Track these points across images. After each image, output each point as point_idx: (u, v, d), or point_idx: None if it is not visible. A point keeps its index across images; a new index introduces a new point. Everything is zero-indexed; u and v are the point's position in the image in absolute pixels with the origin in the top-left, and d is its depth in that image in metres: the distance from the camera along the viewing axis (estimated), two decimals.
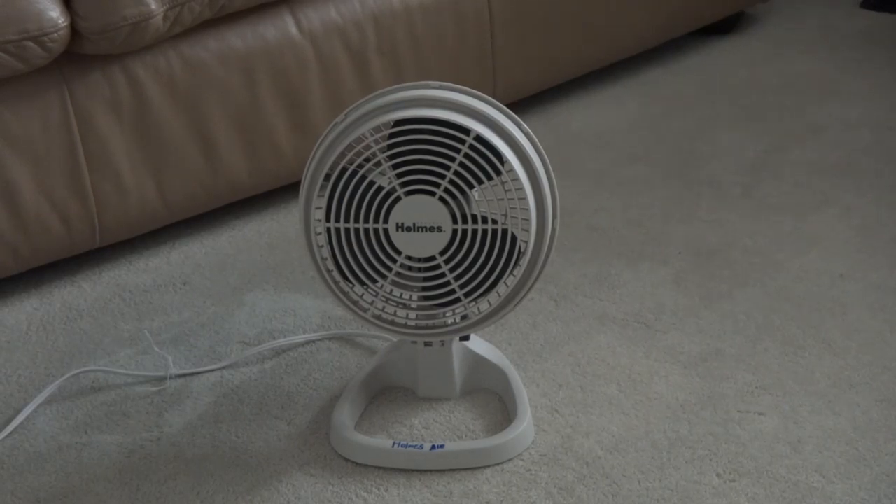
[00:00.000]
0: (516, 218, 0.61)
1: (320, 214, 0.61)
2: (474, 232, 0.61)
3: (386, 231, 0.61)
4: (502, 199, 0.61)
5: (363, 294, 0.65)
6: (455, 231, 0.61)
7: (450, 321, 0.66)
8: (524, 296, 0.64)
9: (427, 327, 0.66)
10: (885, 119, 0.95)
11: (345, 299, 0.64)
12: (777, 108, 1.03)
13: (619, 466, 0.61)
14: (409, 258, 0.63)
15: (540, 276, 0.64)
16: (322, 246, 0.63)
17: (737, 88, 1.06)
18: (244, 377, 0.71)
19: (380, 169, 0.60)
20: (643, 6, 1.00)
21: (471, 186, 0.60)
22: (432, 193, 0.61)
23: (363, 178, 0.61)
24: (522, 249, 0.62)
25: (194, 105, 0.83)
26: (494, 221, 0.61)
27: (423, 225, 0.61)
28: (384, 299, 0.64)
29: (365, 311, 0.65)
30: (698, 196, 0.92)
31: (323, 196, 0.61)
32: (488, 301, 0.64)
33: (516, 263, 0.62)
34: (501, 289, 0.62)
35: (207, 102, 0.84)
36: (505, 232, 0.61)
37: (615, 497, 0.59)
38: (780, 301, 0.76)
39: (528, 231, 0.61)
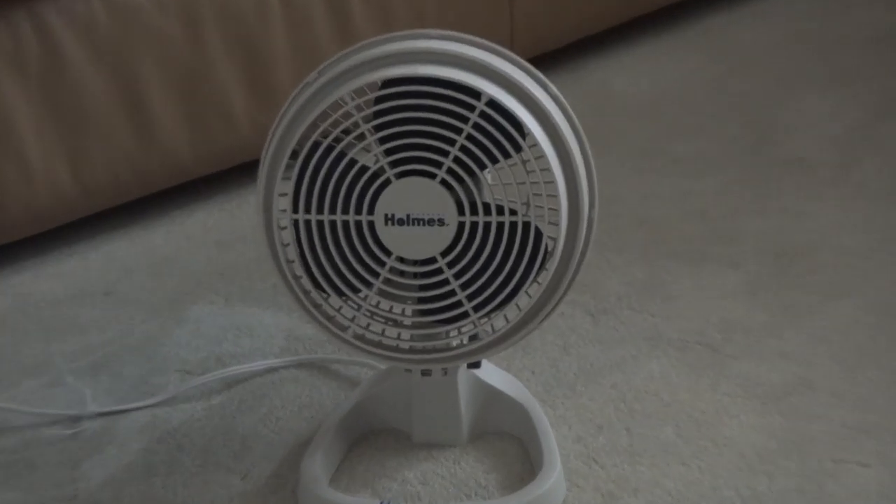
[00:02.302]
0: (541, 208, 0.62)
1: (285, 203, 0.61)
2: (486, 226, 0.62)
3: (371, 225, 0.61)
4: (523, 183, 0.63)
5: (341, 307, 0.65)
6: (461, 225, 0.61)
7: (455, 343, 0.67)
8: (552, 310, 0.65)
9: (425, 351, 0.66)
10: None
11: (317, 314, 0.65)
12: (879, 66, 1.02)
13: None
14: (402, 260, 0.63)
15: (572, 285, 0.66)
16: (288, 244, 0.63)
17: (826, 40, 1.05)
18: (185, 416, 0.72)
19: (363, 144, 0.60)
20: None
21: (482, 167, 0.60)
22: (432, 176, 0.60)
23: (341, 155, 0.61)
24: (549, 249, 0.63)
25: (122, 62, 0.81)
26: (513, 212, 0.61)
27: (420, 217, 0.61)
28: (369, 314, 0.65)
29: (344, 329, 0.66)
30: (778, 180, 0.91)
31: (289, 179, 0.61)
32: (505, 316, 0.65)
33: (541, 267, 0.63)
34: (522, 300, 0.63)
35: (139, 58, 0.82)
36: (526, 226, 0.61)
37: None
38: (886, 317, 0.74)
39: (556, 225, 0.61)
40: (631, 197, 0.90)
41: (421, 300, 0.64)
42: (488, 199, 0.62)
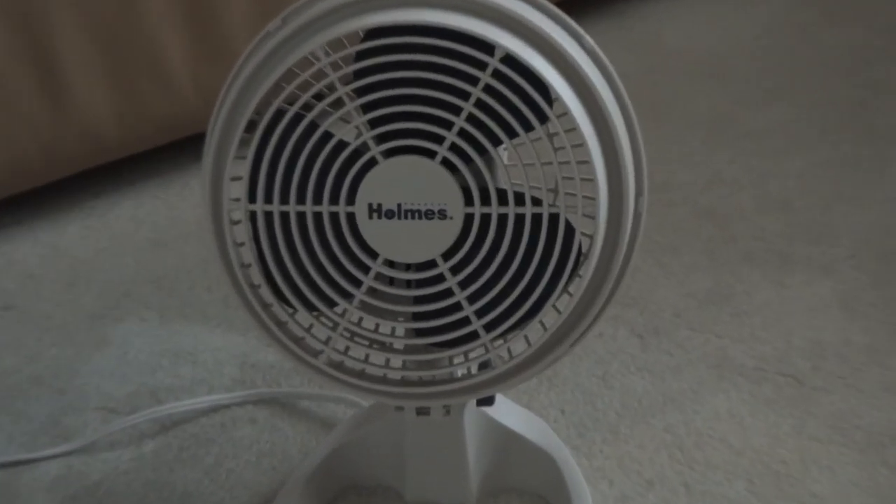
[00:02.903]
0: (573, 196, 0.63)
1: (239, 190, 0.62)
2: (502, 220, 0.62)
3: (352, 219, 0.62)
4: (549, 164, 0.63)
5: (312, 326, 0.66)
6: (469, 218, 0.62)
7: (460, 372, 0.68)
8: (587, 330, 0.66)
9: (421, 383, 0.67)
10: None
11: (281, 335, 0.66)
12: None
13: None
14: (391, 265, 0.64)
15: (614, 296, 0.67)
16: (242, 244, 0.64)
17: None
18: (108, 468, 0.73)
19: (341, 112, 0.60)
20: None
21: (496, 143, 0.60)
22: (431, 154, 0.61)
23: (312, 127, 0.61)
24: (584, 249, 0.64)
25: (28, 10, 0.80)
26: (537, 202, 0.62)
27: (414, 208, 0.62)
28: (348, 335, 0.66)
29: (315, 354, 0.67)
30: (883, 160, 0.90)
31: (244, 159, 0.62)
32: (526, 338, 0.66)
33: (574, 273, 0.64)
34: (549, 317, 0.64)
35: (50, 5, 0.81)
36: (554, 220, 0.62)
37: None
38: None
39: (593, 218, 0.62)
40: (691, 182, 0.91)
41: (416, 316, 0.65)
42: (504, 185, 0.63)
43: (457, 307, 0.64)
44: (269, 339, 0.68)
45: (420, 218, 0.62)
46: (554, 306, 0.65)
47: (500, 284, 0.63)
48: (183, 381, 0.80)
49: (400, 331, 0.68)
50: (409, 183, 0.62)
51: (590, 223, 0.63)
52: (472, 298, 0.64)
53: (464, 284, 0.64)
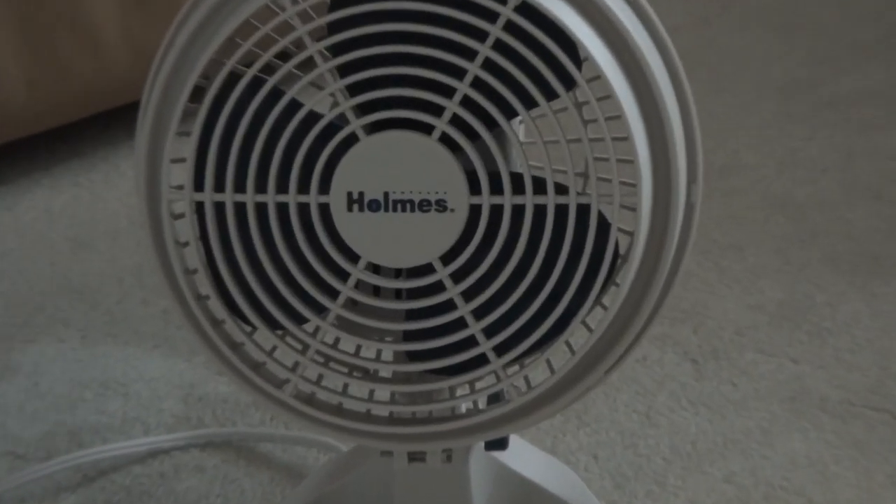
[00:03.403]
0: (608, 181, 0.63)
1: (183, 175, 0.63)
2: (517, 212, 0.63)
3: (326, 211, 0.63)
4: (578, 141, 0.63)
5: (275, 348, 0.67)
6: (475, 210, 0.63)
7: (464, 407, 0.69)
8: (626, 353, 0.66)
9: (416, 421, 0.68)
10: None
11: (236, 359, 0.67)
12: None
13: None
14: (376, 270, 0.65)
15: (660, 310, 0.66)
16: (186, 243, 0.65)
17: None
18: None
19: (312, 76, 0.61)
20: None
21: (510, 114, 0.61)
22: (427, 129, 0.62)
23: (276, 95, 0.61)
24: (623, 250, 0.64)
25: None
26: (562, 189, 0.62)
27: (406, 198, 0.63)
28: (322, 359, 0.67)
29: (280, 385, 0.68)
30: None
31: (189, 136, 0.62)
32: (548, 363, 0.67)
33: (609, 280, 0.64)
34: (577, 337, 0.65)
35: None
36: (584, 212, 0.62)
37: None
38: None
39: (634, 210, 0.62)
40: (760, 164, 0.91)
41: (408, 336, 0.66)
42: (520, 168, 0.63)
43: (460, 324, 0.65)
44: (221, 365, 0.68)
45: (413, 210, 0.62)
46: (584, 323, 0.65)
47: (516, 295, 0.64)
48: (111, 419, 0.80)
49: (387, 354, 0.68)
50: (400, 166, 0.62)
51: (629, 217, 0.63)
52: (479, 313, 0.64)
53: (469, 295, 0.64)
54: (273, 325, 0.67)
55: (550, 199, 0.63)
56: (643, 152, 0.62)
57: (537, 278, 0.64)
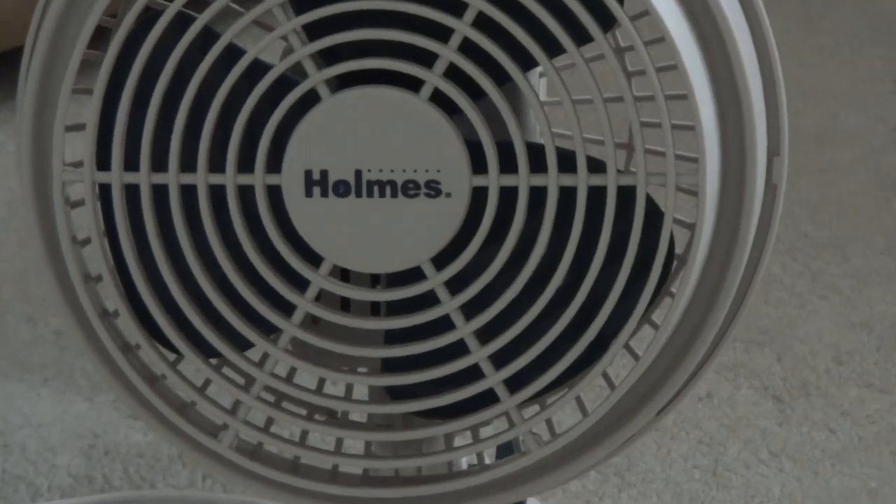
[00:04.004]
0: (660, 154, 0.63)
1: (81, 149, 0.63)
2: (536, 198, 0.63)
3: (277, 197, 0.64)
4: (619, 100, 0.63)
5: (208, 383, 0.68)
6: (480, 195, 0.63)
7: (465, 462, 0.70)
8: (685, 387, 0.67)
9: (399, 481, 0.68)
10: None
11: (155, 398, 0.67)
12: None
13: None
14: (345, 276, 0.66)
15: (732, 330, 0.67)
16: (87, 241, 0.65)
17: None
18: None
19: (256, 12, 0.61)
20: None
21: (526, 66, 0.62)
22: (413, 85, 0.62)
23: (208, 38, 0.62)
24: (680, 249, 0.65)
25: None
26: (597, 166, 0.62)
27: (386, 178, 0.63)
28: (272, 399, 0.67)
29: (215, 433, 0.68)
30: None
31: (90, 94, 0.63)
32: (578, 401, 0.67)
33: (661, 289, 0.66)
34: (619, 366, 0.68)
35: None
36: (628, 195, 0.62)
37: None
38: None
39: (695, 194, 0.63)
40: (867, 131, 0.91)
41: (389, 366, 0.66)
42: (540, 137, 0.64)
43: (458, 349, 0.65)
44: (136, 405, 0.68)
45: (394, 195, 0.63)
46: (627, 347, 0.66)
47: (534, 310, 0.64)
48: None
49: (361, 391, 0.69)
50: (376, 134, 0.63)
51: (689, 203, 0.63)
52: (484, 334, 0.65)
53: (470, 310, 0.65)
54: (206, 351, 0.67)
55: (582, 180, 0.62)
56: (708, 115, 0.62)
57: (564, 287, 0.64)
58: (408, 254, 0.64)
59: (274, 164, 0.63)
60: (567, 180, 0.62)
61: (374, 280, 0.67)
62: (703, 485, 0.79)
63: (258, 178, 0.63)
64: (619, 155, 0.64)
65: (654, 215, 0.63)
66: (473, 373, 0.65)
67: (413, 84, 0.62)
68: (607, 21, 0.60)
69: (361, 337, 0.67)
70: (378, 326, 0.66)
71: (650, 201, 0.63)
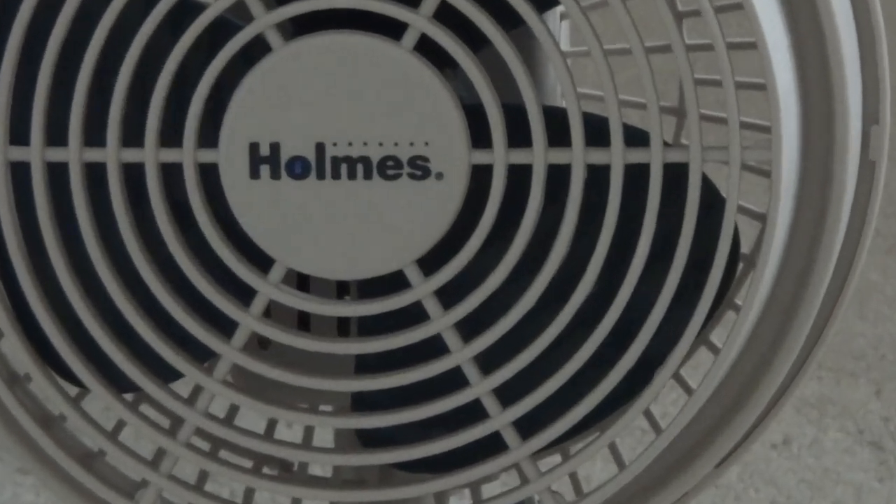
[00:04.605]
0: (718, 122, 0.64)
1: None
2: (557, 178, 0.63)
3: (212, 178, 0.64)
4: (663, 51, 0.63)
5: (122, 426, 0.68)
6: (481, 177, 0.64)
7: None
8: (755, 429, 0.67)
9: None
10: None
11: (52, 446, 0.67)
12: None
13: None
14: (302, 282, 0.68)
15: (816, 354, 0.67)
16: None
17: None
18: None
19: None
20: None
21: (543, 5, 0.62)
22: (393, 30, 0.63)
23: None
24: (748, 249, 0.66)
25: None
26: (637, 137, 0.63)
27: (357, 154, 0.64)
28: (207, 447, 0.68)
29: (131, 493, 0.68)
30: None
31: None
32: (613, 451, 0.68)
33: (721, 300, 0.66)
34: (666, 402, 0.67)
35: None
36: (677, 176, 0.63)
37: None
38: None
39: (768, 174, 0.63)
40: None
41: (360, 402, 0.67)
42: (562, 100, 0.66)
43: (453, 381, 0.66)
44: (25, 455, 0.68)
45: (368, 176, 0.64)
46: (677, 377, 0.67)
47: (553, 330, 0.64)
48: None
49: (324, 436, 0.71)
50: (344, 97, 0.63)
51: (758, 187, 0.65)
52: (487, 361, 0.65)
53: (468, 329, 0.65)
54: (119, 383, 0.67)
55: (617, 156, 0.63)
56: (784, 70, 0.62)
57: (592, 298, 0.64)
58: (386, 254, 0.65)
59: (210, 136, 0.64)
60: (597, 156, 0.63)
61: (341, 289, 0.68)
62: None
63: (187, 154, 0.64)
64: (665, 122, 0.63)
65: (713, 202, 0.64)
66: (473, 411, 0.66)
67: (392, 28, 0.62)
68: None
69: (325, 364, 0.67)
70: (347, 351, 0.66)
71: (707, 184, 0.63)
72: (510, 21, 0.62)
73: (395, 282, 0.65)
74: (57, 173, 0.64)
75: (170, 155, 0.64)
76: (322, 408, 0.70)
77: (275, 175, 0.64)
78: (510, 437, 0.66)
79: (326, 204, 0.64)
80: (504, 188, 0.63)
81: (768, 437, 0.69)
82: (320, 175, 0.64)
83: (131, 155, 0.64)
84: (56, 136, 0.64)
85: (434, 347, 0.65)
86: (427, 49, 0.62)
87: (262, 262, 0.65)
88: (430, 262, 0.64)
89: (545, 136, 0.62)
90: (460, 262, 0.64)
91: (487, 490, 0.71)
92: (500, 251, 0.64)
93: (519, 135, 0.63)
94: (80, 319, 0.66)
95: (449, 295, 0.65)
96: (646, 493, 0.68)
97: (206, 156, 0.64)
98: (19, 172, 0.65)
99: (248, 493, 0.69)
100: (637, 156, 0.62)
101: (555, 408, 0.65)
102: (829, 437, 0.82)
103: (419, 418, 0.66)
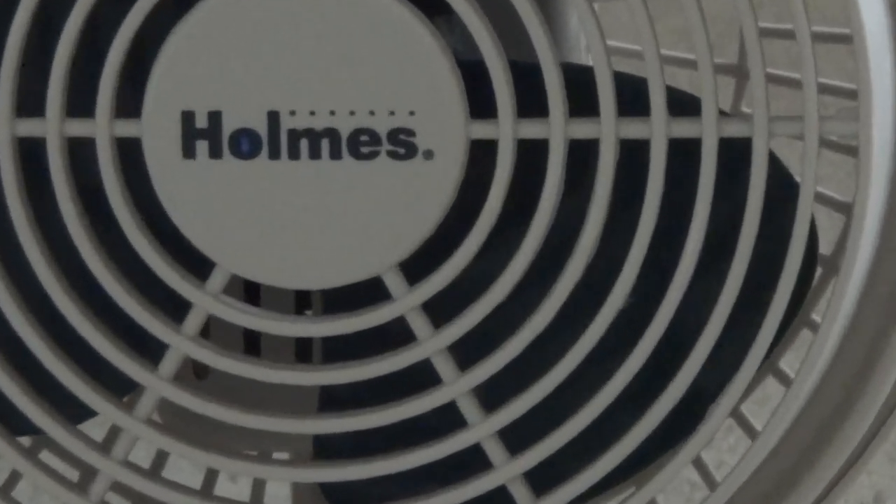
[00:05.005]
0: (790, 85, 0.65)
1: None
2: (580, 156, 0.63)
3: (135, 156, 0.65)
4: None
5: (15, 480, 0.71)
6: (482, 155, 0.64)
7: None
8: (840, 481, 0.68)
9: None
10: None
11: None
12: None
13: None
14: (251, 295, 0.69)
15: None
16: None
17: None
18: None
19: None
20: None
21: None
22: None
23: None
24: (829, 251, 0.67)
25: None
26: (682, 103, 0.64)
27: (320, 126, 0.64)
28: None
29: None
30: None
31: None
32: None
33: (793, 315, 0.67)
34: (723, 449, 0.68)
35: None
36: (737, 155, 0.63)
37: None
38: None
39: (855, 151, 0.63)
40: None
41: (325, 448, 0.68)
42: (587, 56, 0.65)
43: (446, 420, 0.66)
44: None
45: (336, 155, 0.64)
46: (737, 415, 0.67)
47: (575, 356, 0.64)
48: None
49: (279, 489, 0.69)
50: (305, 53, 0.64)
51: (841, 169, 0.65)
52: (489, 395, 0.66)
53: (465, 354, 0.65)
54: (13, 425, 0.67)
55: (659, 128, 0.62)
56: (875, 16, 0.62)
57: (625, 314, 0.64)
58: (359, 257, 0.64)
59: (129, 103, 0.63)
60: (634, 129, 0.62)
61: (301, 302, 0.68)
62: None
63: (101, 127, 0.63)
64: (722, 86, 0.62)
65: (783, 188, 0.63)
66: (471, 459, 0.65)
67: None
68: None
69: (280, 399, 0.68)
70: (309, 381, 0.65)
71: (776, 165, 0.63)
72: None
73: (370, 292, 0.64)
74: None
75: (78, 128, 0.63)
76: (276, 455, 0.70)
77: (215, 153, 0.63)
78: (520, 493, 0.65)
79: (282, 191, 0.64)
80: (512, 171, 0.62)
81: (856, 494, 0.68)
82: (273, 153, 0.63)
83: (29, 128, 0.63)
84: None
85: (421, 376, 0.65)
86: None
87: (199, 266, 0.65)
88: (417, 267, 0.64)
89: (565, 103, 0.61)
90: (455, 267, 0.63)
91: None
92: (507, 253, 0.63)
93: (531, 102, 0.62)
94: None
95: (441, 309, 0.64)
96: None
97: (125, 128, 0.63)
98: None
99: None
100: (685, 128, 0.62)
101: (578, 455, 0.65)
102: None
103: (401, 469, 0.66)
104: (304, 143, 0.63)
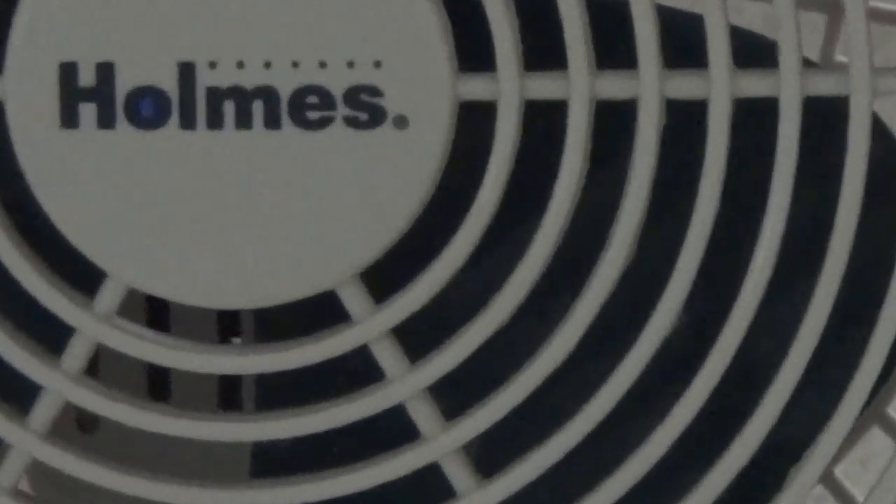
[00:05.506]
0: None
1: None
2: (608, 124, 0.64)
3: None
4: None
5: None
6: (470, 124, 0.63)
7: None
8: None
9: None
10: None
11: None
12: None
13: None
14: (155, 315, 0.69)
15: None
16: None
17: None
18: None
19: None
20: None
21: None
22: None
23: None
24: None
25: None
26: (751, 50, 0.64)
27: (256, 83, 0.64)
28: None
29: None
30: None
31: None
32: None
33: None
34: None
35: None
36: (824, 119, 0.63)
37: None
38: None
39: None
40: None
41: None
42: None
43: (425, 486, 0.67)
44: None
45: (274, 124, 0.64)
46: (828, 478, 0.66)
47: (606, 400, 0.65)
48: None
49: None
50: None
51: None
52: (484, 453, 0.67)
53: (450, 398, 0.66)
54: None
55: (720, 84, 0.61)
56: None
57: (672, 341, 0.63)
58: (306, 265, 0.62)
59: None
60: (685, 85, 0.60)
61: (226, 325, 0.68)
62: None
63: None
64: (805, 25, 0.60)
65: (889, 164, 0.61)
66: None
67: None
68: None
69: (198, 457, 0.66)
70: (238, 438, 0.64)
71: (881, 132, 0.62)
72: None
73: (321, 312, 0.63)
74: None
75: None
76: None
77: (105, 121, 0.62)
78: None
79: (198, 173, 0.61)
80: (517, 145, 0.60)
81: None
82: (187, 121, 0.62)
83: None
84: None
85: (391, 429, 0.64)
86: None
87: (85, 278, 0.63)
88: (384, 279, 0.62)
89: (590, 50, 0.59)
90: (436, 280, 0.61)
91: None
92: (507, 260, 0.62)
93: (541, 51, 0.61)
94: None
95: (416, 336, 0.62)
96: None
97: None
98: None
99: None
100: (756, 84, 0.60)
101: None
102: None
103: None
104: (228, 107, 0.61)
